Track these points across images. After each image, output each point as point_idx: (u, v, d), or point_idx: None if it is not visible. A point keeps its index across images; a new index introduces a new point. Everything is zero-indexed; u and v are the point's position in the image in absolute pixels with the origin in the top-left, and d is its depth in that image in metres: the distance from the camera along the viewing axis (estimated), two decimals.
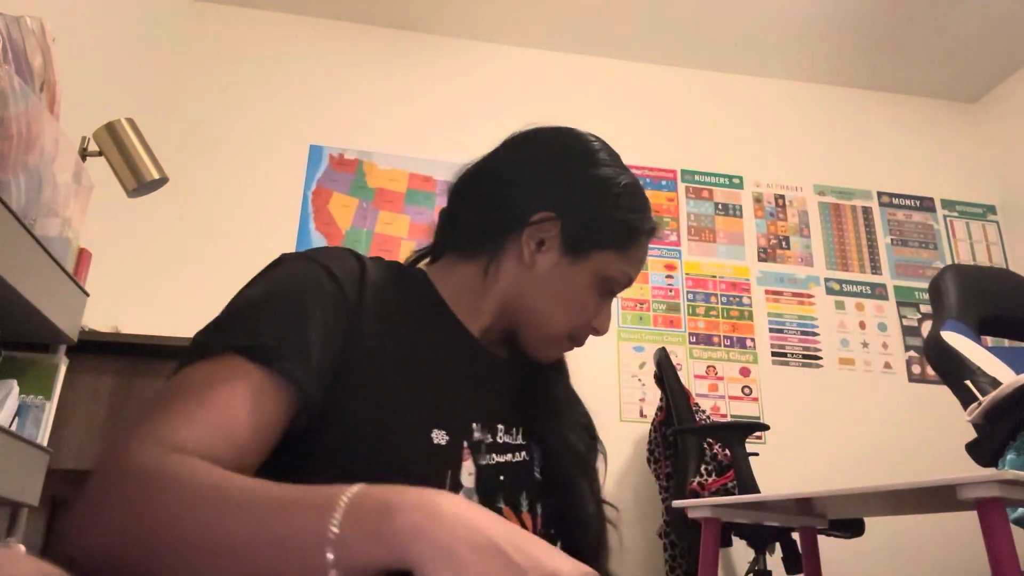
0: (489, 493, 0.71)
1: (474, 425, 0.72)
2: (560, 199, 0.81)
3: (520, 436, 0.78)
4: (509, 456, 0.75)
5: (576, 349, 0.86)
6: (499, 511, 0.70)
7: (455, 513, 0.44)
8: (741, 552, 2.71)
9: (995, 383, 1.58)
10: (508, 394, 0.79)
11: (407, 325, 0.73)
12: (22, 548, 1.30)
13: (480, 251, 0.82)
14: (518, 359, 0.83)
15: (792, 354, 3.25)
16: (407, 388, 0.68)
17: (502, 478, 0.73)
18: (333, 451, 0.63)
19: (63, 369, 1.40)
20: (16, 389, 1.27)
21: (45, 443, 1.31)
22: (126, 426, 0.56)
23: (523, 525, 0.72)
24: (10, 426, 1.24)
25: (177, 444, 0.53)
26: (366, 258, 0.76)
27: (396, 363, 0.69)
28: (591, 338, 0.84)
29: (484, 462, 0.72)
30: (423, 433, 0.67)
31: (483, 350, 0.81)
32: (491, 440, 0.74)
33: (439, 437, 0.68)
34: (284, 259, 0.71)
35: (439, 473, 0.66)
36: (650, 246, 0.86)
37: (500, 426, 0.76)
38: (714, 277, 3.34)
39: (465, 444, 0.70)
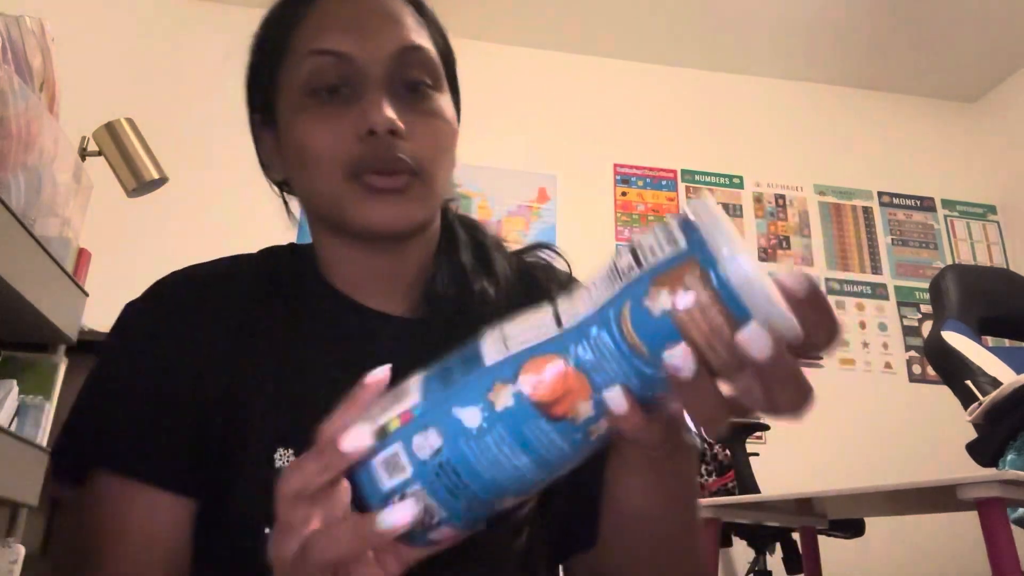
0: None
1: None
2: (248, 96, 0.69)
3: None
4: None
5: None
6: None
7: None
8: (741, 552, 2.70)
9: (995, 383, 1.58)
10: (417, 366, 0.59)
11: (273, 326, 0.61)
12: (22, 548, 1.30)
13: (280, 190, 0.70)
14: (430, 312, 0.63)
15: None
16: (255, 406, 0.57)
17: None
18: (208, 511, 0.56)
19: (63, 369, 1.40)
20: (16, 389, 1.27)
21: (45, 443, 1.31)
22: None
23: None
24: (10, 426, 1.24)
25: None
26: (210, 271, 0.65)
27: (250, 379, 0.58)
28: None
29: None
30: (265, 456, 0.55)
31: (378, 317, 0.62)
32: None
33: (283, 458, 0.55)
34: (121, 320, 0.63)
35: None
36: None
37: None
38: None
39: None
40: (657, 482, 0.54)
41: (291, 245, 0.70)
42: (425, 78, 0.60)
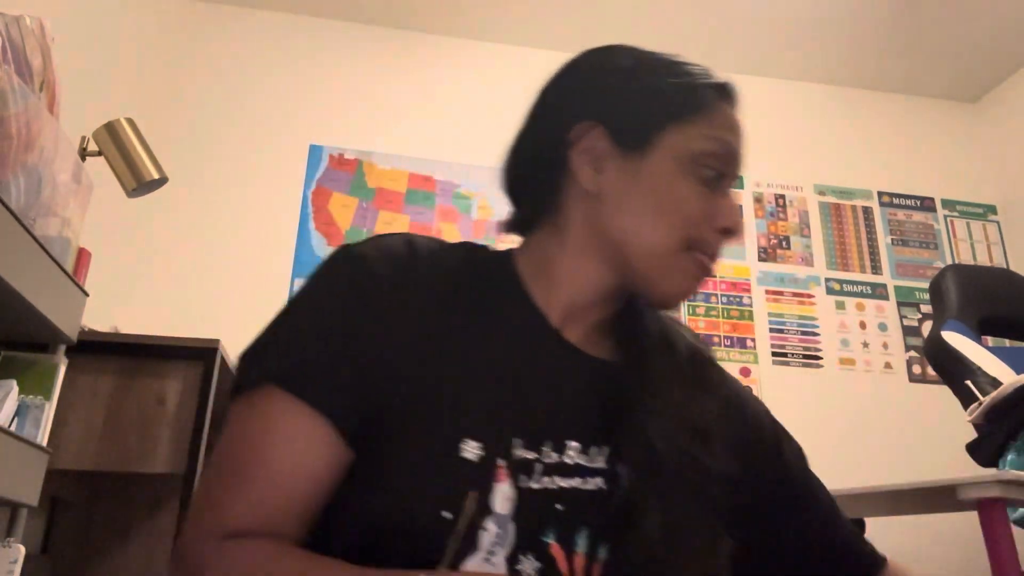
0: (534, 525, 0.57)
1: (516, 439, 0.59)
2: (593, 103, 0.68)
3: (602, 458, 0.62)
4: (577, 481, 0.60)
5: None
6: (544, 548, 0.57)
7: None
8: None
9: (995, 383, 1.58)
10: (597, 403, 0.64)
11: (467, 320, 0.63)
12: (22, 548, 1.30)
13: (543, 209, 0.69)
14: (625, 358, 0.67)
15: (792, 354, 3.24)
16: (444, 393, 0.58)
17: (560, 507, 0.59)
18: (365, 475, 0.57)
19: (63, 369, 1.40)
20: (15, 389, 1.27)
21: (44, 443, 1.31)
22: (192, 504, 0.56)
23: (571, 570, 0.57)
24: (9, 426, 1.24)
25: (232, 530, 0.53)
26: (428, 246, 0.66)
27: (439, 365, 0.60)
28: None
29: (535, 485, 0.58)
30: (451, 444, 0.56)
31: (564, 345, 0.66)
32: (554, 459, 0.60)
33: (470, 450, 0.56)
34: (333, 256, 0.64)
35: (461, 494, 0.55)
36: None
37: (572, 443, 0.61)
38: (714, 277, 3.33)
39: (501, 461, 0.57)
40: None
41: (488, 247, 0.71)
42: None
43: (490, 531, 0.55)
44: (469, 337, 0.62)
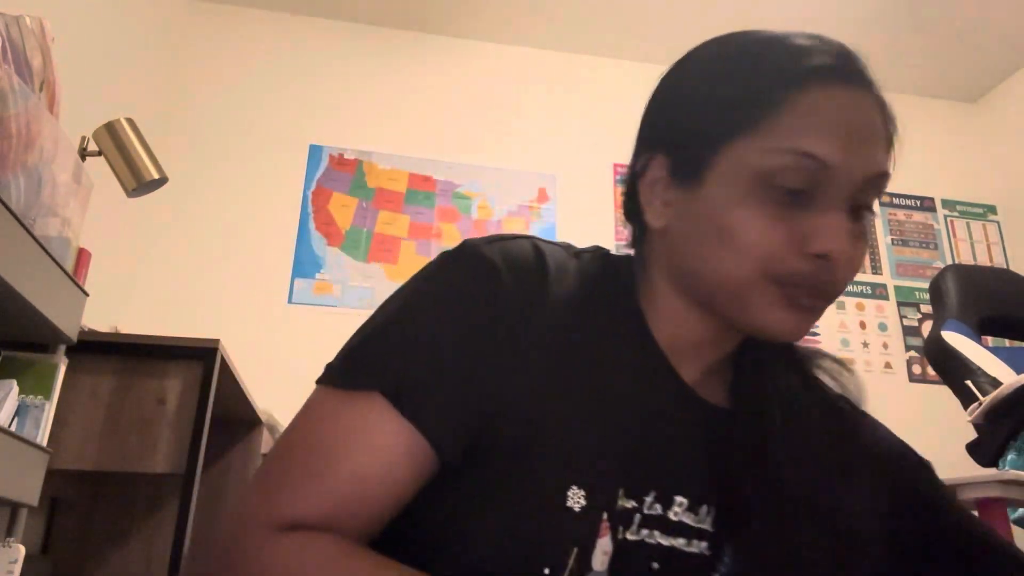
0: None
1: (621, 490, 0.53)
2: (659, 125, 0.61)
3: (709, 519, 0.56)
4: (680, 541, 0.54)
5: None
6: None
7: None
8: None
9: (995, 383, 1.58)
10: (710, 456, 0.57)
11: (587, 350, 0.57)
12: (22, 548, 1.30)
13: (640, 239, 0.63)
14: (739, 406, 0.60)
15: None
16: (556, 432, 0.53)
17: (656, 566, 0.53)
18: (469, 509, 0.52)
19: (63, 369, 1.40)
20: (15, 389, 1.27)
21: (44, 443, 1.31)
22: (245, 491, 0.51)
23: None
24: (9, 426, 1.24)
25: (297, 520, 0.48)
26: (557, 258, 0.59)
27: (555, 401, 0.54)
28: None
29: (631, 537, 0.53)
30: (557, 492, 0.51)
31: (682, 387, 0.59)
32: (658, 512, 0.54)
33: (575, 498, 0.51)
34: (459, 257, 0.57)
35: (563, 547, 0.50)
36: None
37: (680, 498, 0.55)
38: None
39: (605, 516, 0.52)
40: None
41: (619, 259, 0.64)
42: (872, 204, 0.57)
43: None
44: (588, 370, 0.56)
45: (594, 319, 0.58)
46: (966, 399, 1.63)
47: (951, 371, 1.69)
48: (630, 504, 0.54)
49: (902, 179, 3.67)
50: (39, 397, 1.33)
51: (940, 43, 3.47)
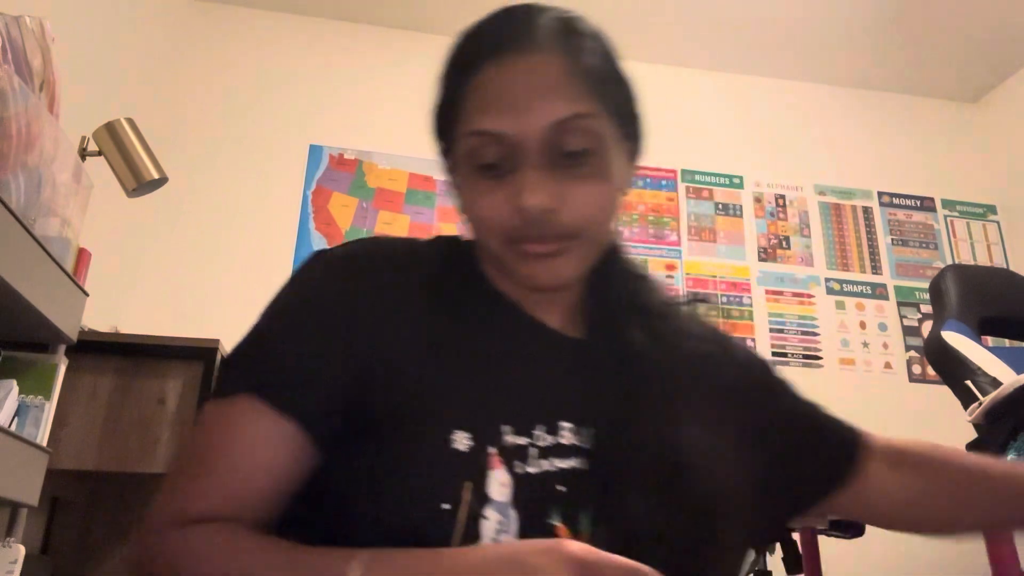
0: (538, 509, 0.58)
1: (505, 426, 0.59)
2: (432, 124, 0.71)
3: (589, 437, 0.63)
4: (575, 461, 0.61)
5: None
6: (551, 530, 0.57)
7: None
8: None
9: (995, 383, 1.58)
10: (580, 384, 0.64)
11: (447, 315, 0.64)
12: (22, 548, 1.30)
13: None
14: (603, 336, 0.67)
15: (792, 354, 3.24)
16: (431, 389, 0.59)
17: (561, 488, 0.59)
18: (364, 476, 0.57)
19: (62, 369, 1.40)
20: (15, 389, 1.27)
21: (44, 443, 1.31)
22: (155, 500, 0.59)
23: None
24: (9, 426, 1.24)
25: (195, 515, 0.56)
26: (398, 246, 0.68)
27: (423, 362, 0.61)
28: None
29: (532, 470, 0.59)
30: (443, 438, 0.57)
31: (542, 329, 0.67)
32: (550, 442, 0.60)
33: (461, 441, 0.57)
34: (311, 266, 0.65)
35: (456, 483, 0.55)
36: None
37: (566, 423, 0.62)
38: (714, 277, 3.33)
39: (493, 450, 0.58)
40: None
41: (460, 239, 0.72)
42: (584, 144, 0.61)
43: (491, 519, 0.56)
44: (450, 331, 0.63)
45: (450, 289, 0.66)
46: (966, 399, 1.63)
47: (951, 371, 1.69)
48: (523, 440, 0.60)
49: (902, 179, 3.67)
50: (39, 397, 1.33)
51: (940, 43, 3.47)
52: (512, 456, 0.58)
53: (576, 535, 0.57)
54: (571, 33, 0.65)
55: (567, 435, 0.61)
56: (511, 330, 0.66)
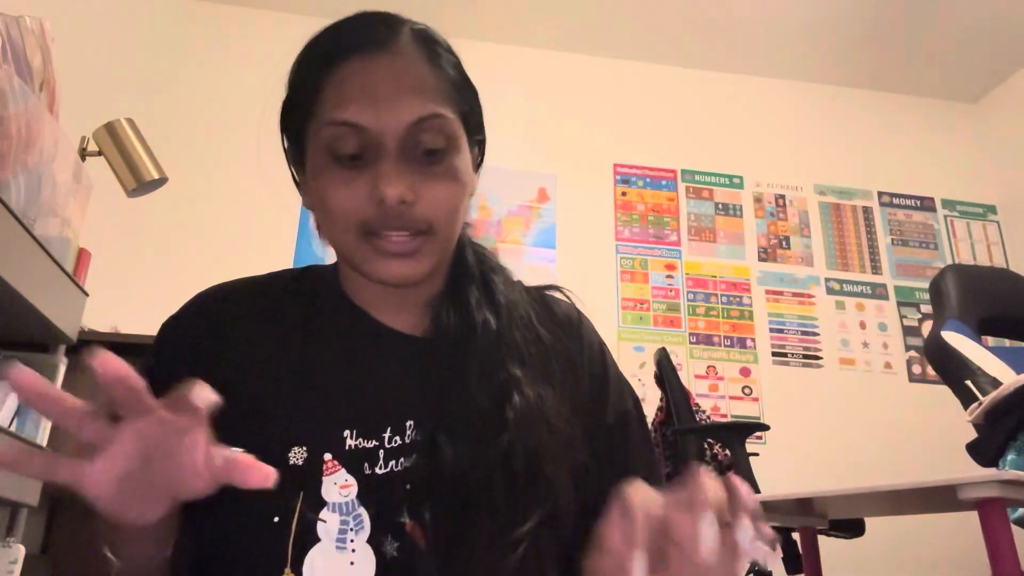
0: (389, 508, 0.60)
1: (347, 432, 0.61)
2: (281, 118, 0.74)
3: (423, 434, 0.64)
4: (418, 459, 0.62)
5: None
6: (401, 528, 0.59)
7: None
8: None
9: (995, 383, 1.58)
10: (425, 382, 0.65)
11: (292, 339, 0.66)
12: (22, 548, 1.30)
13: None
14: (436, 334, 0.67)
15: (792, 354, 3.24)
16: (271, 413, 0.61)
17: (409, 487, 0.61)
18: (210, 500, 0.55)
19: (62, 369, 1.40)
20: None
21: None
22: None
23: (428, 545, 0.60)
24: (9, 426, 1.24)
25: None
26: (238, 287, 0.71)
27: (260, 389, 0.62)
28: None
29: (380, 471, 0.61)
30: (281, 455, 0.59)
31: (387, 333, 0.68)
32: (397, 443, 0.62)
33: (298, 455, 0.59)
34: (156, 337, 0.69)
35: (289, 497, 0.58)
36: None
37: (410, 422, 0.63)
38: (714, 277, 3.33)
39: (328, 456, 0.60)
40: None
41: (319, 265, 0.75)
42: (440, 143, 0.63)
43: (331, 521, 0.58)
44: (292, 351, 0.65)
45: (297, 310, 0.68)
46: (966, 399, 1.63)
47: (951, 371, 1.69)
48: (371, 444, 0.62)
49: (902, 179, 3.67)
50: None
51: (940, 43, 3.47)
52: (359, 459, 0.61)
53: (424, 529, 0.60)
54: (430, 41, 0.70)
55: (412, 435, 0.63)
56: (357, 338, 0.67)
